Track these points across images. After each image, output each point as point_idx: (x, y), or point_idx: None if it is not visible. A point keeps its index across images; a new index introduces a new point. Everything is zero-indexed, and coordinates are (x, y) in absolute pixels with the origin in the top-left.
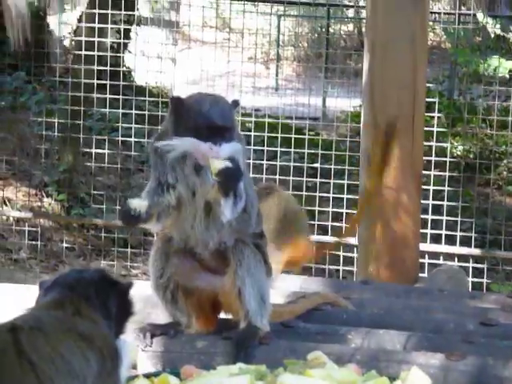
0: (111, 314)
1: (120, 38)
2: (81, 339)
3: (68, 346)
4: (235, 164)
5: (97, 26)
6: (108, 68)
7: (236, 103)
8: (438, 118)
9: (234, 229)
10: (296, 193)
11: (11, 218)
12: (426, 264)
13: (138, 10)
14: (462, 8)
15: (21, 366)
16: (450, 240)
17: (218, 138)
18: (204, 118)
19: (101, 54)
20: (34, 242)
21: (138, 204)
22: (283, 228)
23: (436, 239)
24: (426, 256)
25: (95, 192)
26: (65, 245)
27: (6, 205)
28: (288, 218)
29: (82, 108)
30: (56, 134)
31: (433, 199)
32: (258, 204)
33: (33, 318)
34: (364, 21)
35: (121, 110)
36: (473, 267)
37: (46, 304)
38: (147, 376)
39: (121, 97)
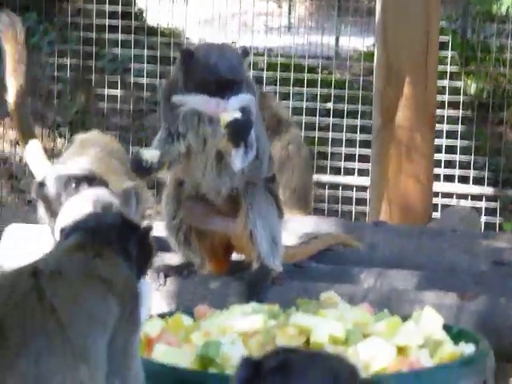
0: (132, 257)
1: None
2: (102, 283)
3: (89, 290)
4: (245, 115)
5: None
6: (120, 8)
7: (246, 52)
8: (452, 56)
9: (246, 175)
10: (309, 133)
11: (24, 159)
12: (439, 204)
13: None
14: None
15: (42, 310)
16: (463, 180)
17: (227, 92)
18: (211, 73)
19: None
20: None
21: (150, 155)
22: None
23: (449, 179)
24: (439, 196)
25: (108, 133)
26: None
27: (19, 145)
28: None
29: (94, 49)
30: (68, 74)
31: (446, 138)
32: (269, 149)
33: (54, 262)
34: None
35: (133, 51)
36: (485, 207)
37: (67, 248)
38: (161, 316)
39: (132, 37)
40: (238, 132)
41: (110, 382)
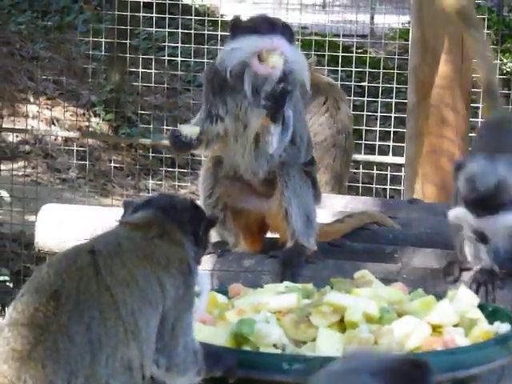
0: (197, 241)
1: None
2: (158, 264)
3: (144, 271)
4: (290, 80)
5: None
6: None
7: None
8: (488, 34)
9: (284, 160)
10: None
11: (59, 138)
12: None
13: None
14: None
15: (97, 285)
16: None
17: (280, 35)
18: (260, 18)
19: None
20: (82, 162)
21: (190, 130)
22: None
23: None
24: None
25: (142, 112)
26: (113, 164)
27: (55, 124)
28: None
29: (129, 27)
30: (103, 53)
31: (483, 117)
32: (308, 133)
33: (113, 240)
34: None
35: (167, 29)
36: None
37: (132, 224)
38: (196, 294)
39: (167, 16)
40: (277, 98)
41: (156, 358)
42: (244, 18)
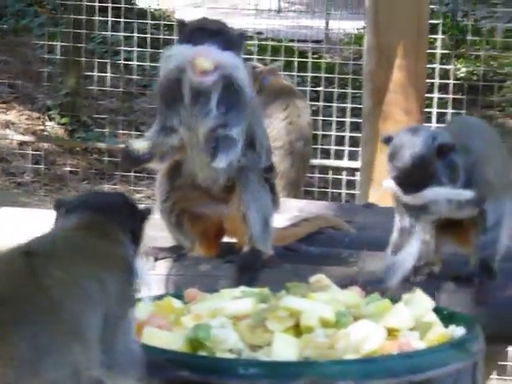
0: (134, 237)
1: None
2: (97, 264)
3: (83, 272)
4: (232, 87)
5: None
6: None
7: (242, 36)
8: (442, 39)
9: (243, 165)
10: None
11: (14, 142)
12: None
13: None
14: None
15: (35, 287)
16: None
17: (211, 43)
18: (196, 24)
19: None
20: (37, 166)
21: (140, 145)
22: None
23: None
24: None
25: (98, 116)
26: (68, 168)
27: (10, 128)
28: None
29: (84, 31)
30: (58, 57)
31: (436, 122)
32: (267, 140)
33: (49, 241)
34: None
35: (123, 33)
36: None
37: (70, 225)
38: (151, 299)
39: (123, 20)
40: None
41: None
42: (188, 22)
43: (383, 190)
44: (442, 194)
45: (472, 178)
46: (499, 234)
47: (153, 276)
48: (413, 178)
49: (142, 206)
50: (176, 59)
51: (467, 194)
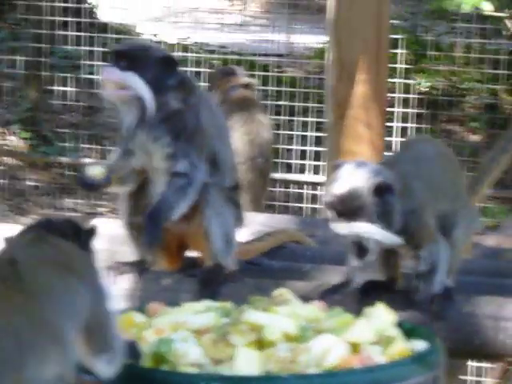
0: (85, 247)
1: None
2: (72, 271)
3: (62, 279)
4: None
5: None
6: (71, 5)
7: (170, 60)
8: (402, 54)
9: (206, 183)
10: None
11: None
12: None
13: None
14: None
15: (21, 292)
16: None
17: (115, 65)
18: (116, 46)
19: None
20: None
21: (95, 171)
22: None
23: None
24: None
25: (59, 130)
26: (30, 183)
27: None
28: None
29: (46, 45)
30: (20, 71)
31: (397, 136)
32: (232, 157)
33: (28, 251)
34: None
35: (84, 48)
36: None
37: (31, 240)
38: None
39: (83, 34)
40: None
41: (100, 357)
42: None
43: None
44: (370, 232)
45: (409, 224)
46: (432, 279)
47: (115, 290)
48: (344, 207)
49: (87, 225)
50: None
51: (395, 240)
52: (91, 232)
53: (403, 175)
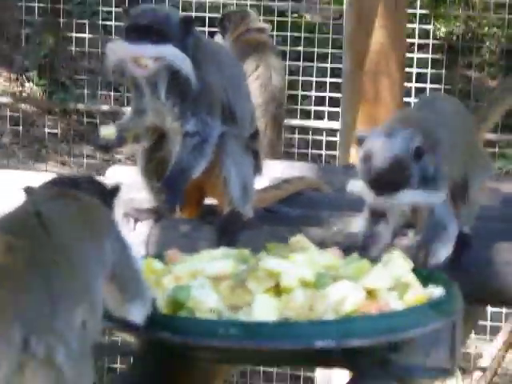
0: (107, 203)
1: None
2: (95, 224)
3: (86, 232)
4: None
5: None
6: None
7: (188, 19)
8: None
9: (224, 133)
10: None
11: None
12: None
13: None
14: None
15: (50, 243)
16: None
17: (144, 40)
18: (131, 18)
19: None
20: (15, 128)
21: (107, 132)
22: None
23: None
24: None
25: (77, 77)
26: (47, 130)
27: None
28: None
29: None
30: (36, 18)
31: (416, 82)
32: (251, 107)
33: (52, 205)
34: None
35: None
36: None
37: (51, 196)
38: None
39: None
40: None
41: (134, 303)
42: (131, 12)
43: (350, 190)
44: (414, 198)
45: (433, 178)
46: (436, 245)
47: (134, 238)
48: (388, 181)
49: (110, 184)
50: (116, 55)
51: (437, 199)
52: (115, 190)
53: (424, 132)
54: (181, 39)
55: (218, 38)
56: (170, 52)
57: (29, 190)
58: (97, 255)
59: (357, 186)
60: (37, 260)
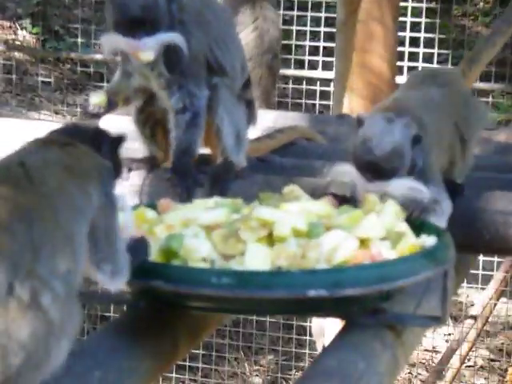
0: (106, 155)
1: None
2: (81, 174)
3: (71, 181)
4: (173, 53)
5: None
6: None
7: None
8: None
9: (215, 84)
10: None
11: None
12: None
13: None
14: None
15: (33, 192)
16: None
17: (139, 32)
18: (119, 10)
19: None
20: (8, 76)
21: (97, 99)
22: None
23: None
24: None
25: (70, 25)
26: (40, 79)
27: None
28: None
29: None
30: None
31: (410, 31)
32: (241, 56)
33: (37, 155)
34: None
35: None
36: None
37: (44, 143)
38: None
39: None
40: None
41: (102, 267)
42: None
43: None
44: (403, 188)
45: (422, 168)
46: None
47: (126, 186)
48: (384, 166)
49: (115, 133)
50: (113, 50)
51: (425, 194)
52: (119, 140)
53: (414, 112)
54: (168, 13)
55: None
56: (168, 37)
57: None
58: (82, 204)
59: (345, 170)
60: (19, 207)
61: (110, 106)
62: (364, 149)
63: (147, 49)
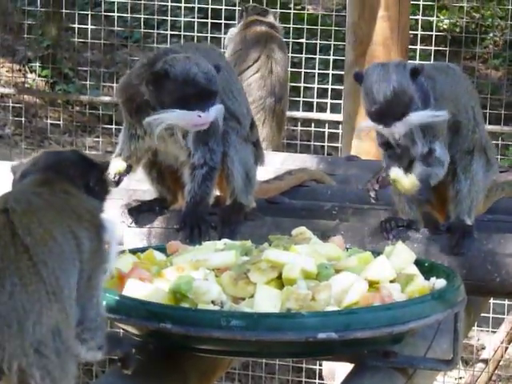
0: (94, 193)
1: None
2: (71, 218)
3: (59, 227)
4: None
5: None
6: None
7: (218, 68)
8: None
9: (224, 129)
10: None
11: None
12: None
13: None
14: None
15: (15, 247)
16: None
17: (207, 104)
18: (193, 86)
19: None
20: (18, 119)
21: (117, 169)
22: None
23: None
24: None
25: (79, 68)
26: (49, 121)
27: None
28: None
29: None
30: (39, 8)
31: None
32: (244, 98)
33: (23, 198)
34: None
35: None
36: None
37: (33, 185)
38: (133, 251)
39: None
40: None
41: (85, 339)
42: (171, 64)
43: (360, 131)
44: (420, 118)
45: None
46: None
47: (136, 229)
48: (393, 107)
49: (98, 161)
50: (172, 123)
51: (442, 115)
52: (101, 170)
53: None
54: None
55: (232, 32)
56: (222, 109)
57: (15, 168)
58: (70, 252)
59: (368, 123)
60: (1, 274)
61: (128, 170)
62: (369, 101)
63: (212, 119)
